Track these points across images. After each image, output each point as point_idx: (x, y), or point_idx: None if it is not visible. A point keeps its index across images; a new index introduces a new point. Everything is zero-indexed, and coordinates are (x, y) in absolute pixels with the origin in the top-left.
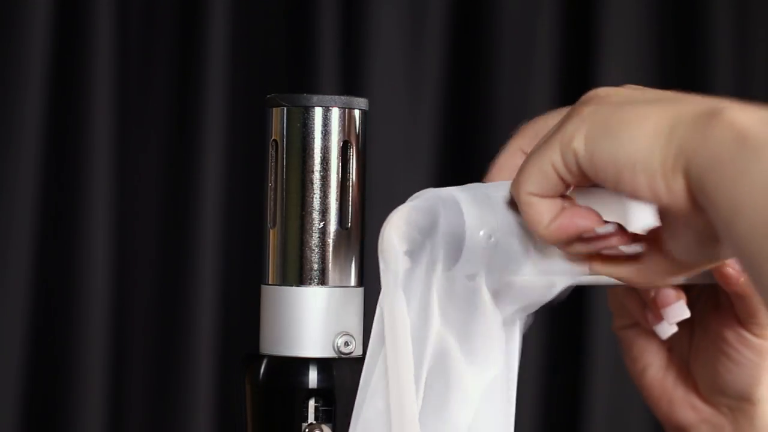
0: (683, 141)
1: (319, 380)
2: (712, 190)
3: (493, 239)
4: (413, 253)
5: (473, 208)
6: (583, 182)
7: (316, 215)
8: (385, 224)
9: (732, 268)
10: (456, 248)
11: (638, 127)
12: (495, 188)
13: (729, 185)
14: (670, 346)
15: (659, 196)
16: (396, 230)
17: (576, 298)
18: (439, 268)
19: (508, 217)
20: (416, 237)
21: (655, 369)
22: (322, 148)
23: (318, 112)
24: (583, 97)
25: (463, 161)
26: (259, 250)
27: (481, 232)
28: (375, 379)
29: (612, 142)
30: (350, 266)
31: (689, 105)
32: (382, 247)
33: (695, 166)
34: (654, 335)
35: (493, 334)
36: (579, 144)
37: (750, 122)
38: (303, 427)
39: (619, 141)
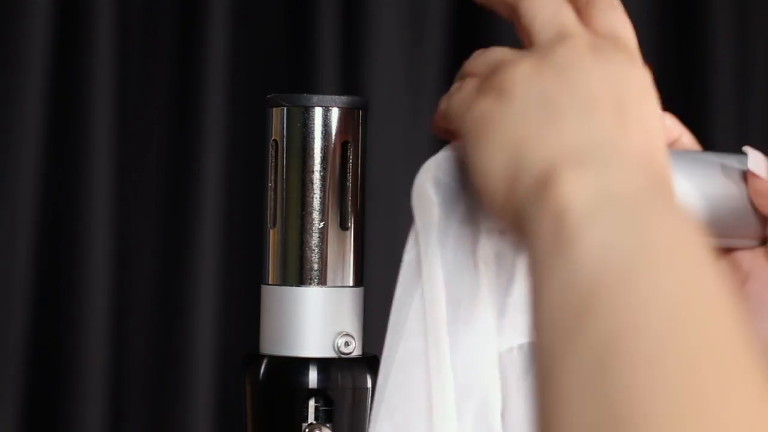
0: (517, 202)
1: (319, 380)
2: (530, 270)
3: None
4: (447, 204)
5: None
6: None
7: (316, 215)
8: (419, 173)
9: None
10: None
11: (496, 152)
12: None
13: (539, 271)
14: None
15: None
16: (430, 179)
17: None
18: (476, 219)
19: None
20: (451, 187)
21: None
22: (322, 148)
23: (318, 112)
24: (498, 63)
25: None
26: (259, 250)
27: None
28: (411, 322)
29: (479, 153)
30: (350, 266)
31: (539, 152)
32: (414, 197)
33: (518, 226)
34: None
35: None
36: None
37: (576, 201)
38: (303, 427)
39: (482, 154)
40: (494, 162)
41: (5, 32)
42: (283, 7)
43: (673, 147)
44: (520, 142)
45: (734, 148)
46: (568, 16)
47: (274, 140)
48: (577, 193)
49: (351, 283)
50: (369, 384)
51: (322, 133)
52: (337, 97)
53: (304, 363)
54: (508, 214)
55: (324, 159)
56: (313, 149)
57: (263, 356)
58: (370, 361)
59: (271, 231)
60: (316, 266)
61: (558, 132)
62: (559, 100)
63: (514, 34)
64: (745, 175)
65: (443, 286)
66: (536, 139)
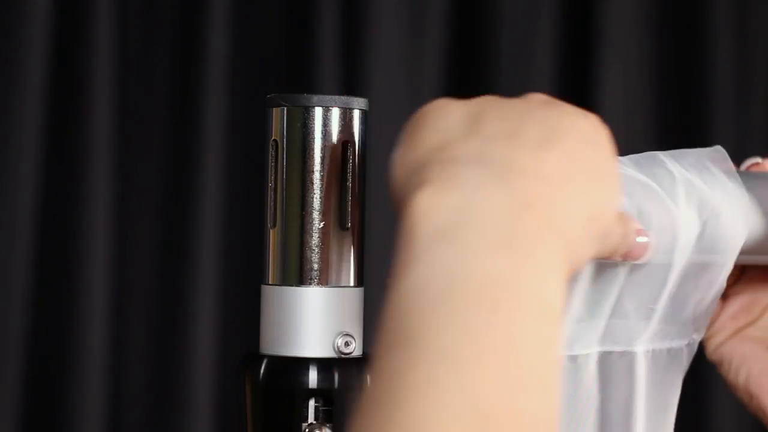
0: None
1: (319, 380)
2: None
3: None
4: None
5: None
6: None
7: (316, 215)
8: None
9: None
10: None
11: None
12: None
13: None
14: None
15: None
16: None
17: None
18: None
19: None
20: None
21: (760, 367)
22: (322, 148)
23: (318, 112)
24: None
25: None
26: (260, 250)
27: None
28: None
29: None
30: (350, 266)
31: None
32: None
33: None
34: (750, 339)
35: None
36: None
37: (421, 220)
38: (303, 428)
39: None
40: (408, 154)
41: (5, 32)
42: (283, 7)
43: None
44: (439, 146)
45: (734, 148)
46: None
47: (274, 140)
48: (430, 205)
49: (351, 283)
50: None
51: (322, 133)
52: (337, 97)
53: (304, 363)
54: (397, 205)
55: (324, 159)
56: (313, 149)
57: (263, 356)
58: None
59: (271, 231)
60: (316, 266)
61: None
62: (487, 120)
63: (512, 36)
64: None
65: None
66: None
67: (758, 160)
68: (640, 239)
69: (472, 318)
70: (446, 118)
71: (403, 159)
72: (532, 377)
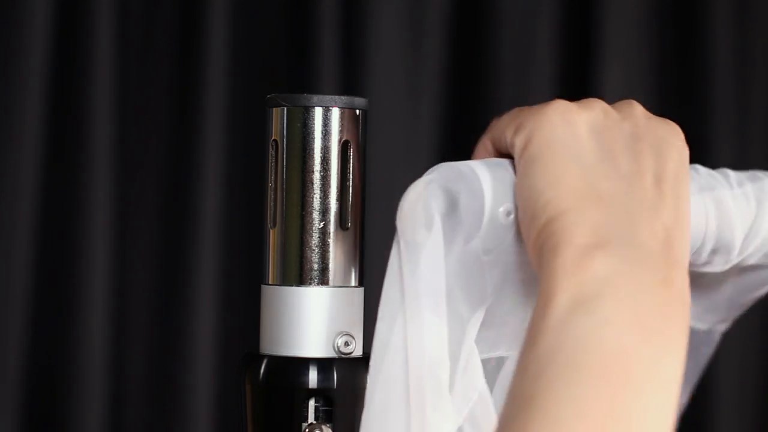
0: (545, 252)
1: (319, 380)
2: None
3: (512, 217)
4: (430, 226)
5: (494, 183)
6: None
7: (316, 215)
8: (404, 196)
9: None
10: (475, 223)
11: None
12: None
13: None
14: None
15: None
16: (415, 203)
17: None
18: (458, 241)
19: None
20: (434, 210)
21: None
22: (322, 148)
23: (318, 112)
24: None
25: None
26: (260, 250)
27: (501, 209)
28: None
29: (542, 174)
30: (350, 266)
31: (581, 223)
32: (401, 219)
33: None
34: None
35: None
36: None
37: (596, 281)
38: (303, 427)
39: (542, 179)
40: (541, 195)
41: (5, 32)
42: (283, 6)
43: None
44: (572, 197)
45: (734, 148)
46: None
47: (274, 140)
48: (601, 272)
49: (351, 283)
50: None
51: (322, 133)
52: (337, 97)
53: (304, 363)
54: (535, 252)
55: (324, 159)
56: (313, 149)
57: (263, 356)
58: (370, 361)
59: (271, 231)
60: (316, 266)
61: (602, 207)
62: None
63: (513, 36)
64: None
65: (431, 315)
66: (585, 202)
67: None
68: None
69: (594, 392)
70: (572, 146)
71: (535, 199)
72: None
